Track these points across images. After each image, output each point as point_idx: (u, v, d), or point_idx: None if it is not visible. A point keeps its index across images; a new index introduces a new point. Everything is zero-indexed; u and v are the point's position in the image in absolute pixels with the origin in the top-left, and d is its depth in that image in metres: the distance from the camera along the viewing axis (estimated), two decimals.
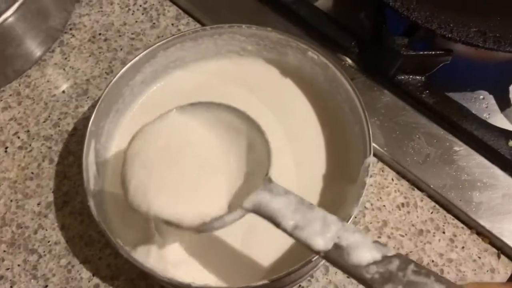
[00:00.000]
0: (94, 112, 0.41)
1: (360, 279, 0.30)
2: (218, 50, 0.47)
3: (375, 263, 0.30)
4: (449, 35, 0.45)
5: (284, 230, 0.32)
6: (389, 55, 0.48)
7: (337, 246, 0.30)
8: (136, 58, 0.43)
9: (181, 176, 0.35)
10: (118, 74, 0.42)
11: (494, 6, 0.47)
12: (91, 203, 0.38)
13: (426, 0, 0.46)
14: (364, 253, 0.30)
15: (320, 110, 0.46)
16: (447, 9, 0.46)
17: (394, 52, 0.47)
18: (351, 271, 0.30)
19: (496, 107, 0.52)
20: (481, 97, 0.52)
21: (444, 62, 0.48)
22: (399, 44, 0.47)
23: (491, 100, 0.52)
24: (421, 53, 0.47)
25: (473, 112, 0.50)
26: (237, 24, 0.45)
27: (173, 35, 0.45)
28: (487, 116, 0.51)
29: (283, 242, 0.40)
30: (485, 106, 0.51)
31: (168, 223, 0.34)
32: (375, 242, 0.30)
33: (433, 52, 0.47)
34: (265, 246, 0.40)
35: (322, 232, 0.31)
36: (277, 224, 0.32)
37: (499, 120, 0.51)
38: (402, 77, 0.49)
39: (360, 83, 0.51)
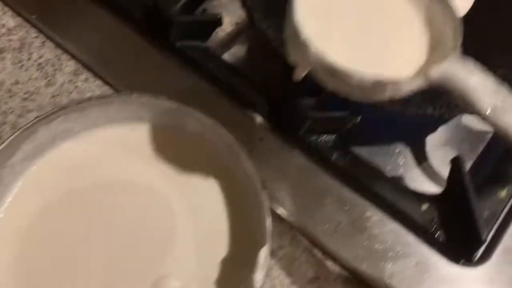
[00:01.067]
0: None
1: None
2: (111, 118, 0.44)
3: None
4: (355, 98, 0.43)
5: (478, 112, 0.28)
6: (297, 115, 0.46)
7: None
8: (9, 140, 0.39)
9: (367, 29, 0.33)
10: None
11: None
12: None
13: None
14: None
15: (224, 181, 0.43)
16: None
17: (302, 112, 0.45)
18: None
19: (412, 161, 0.50)
20: (397, 150, 0.50)
21: (353, 121, 0.45)
22: (305, 104, 0.45)
23: (407, 154, 0.50)
24: (328, 115, 0.44)
25: (388, 168, 0.48)
26: (127, 92, 0.42)
27: (59, 106, 0.41)
28: (403, 172, 0.49)
29: None
30: (401, 162, 0.49)
31: (336, 72, 0.30)
32: None
33: (339, 114, 0.44)
34: None
35: None
36: (470, 103, 0.28)
37: (416, 177, 0.49)
38: (313, 137, 0.47)
39: (270, 143, 0.48)
